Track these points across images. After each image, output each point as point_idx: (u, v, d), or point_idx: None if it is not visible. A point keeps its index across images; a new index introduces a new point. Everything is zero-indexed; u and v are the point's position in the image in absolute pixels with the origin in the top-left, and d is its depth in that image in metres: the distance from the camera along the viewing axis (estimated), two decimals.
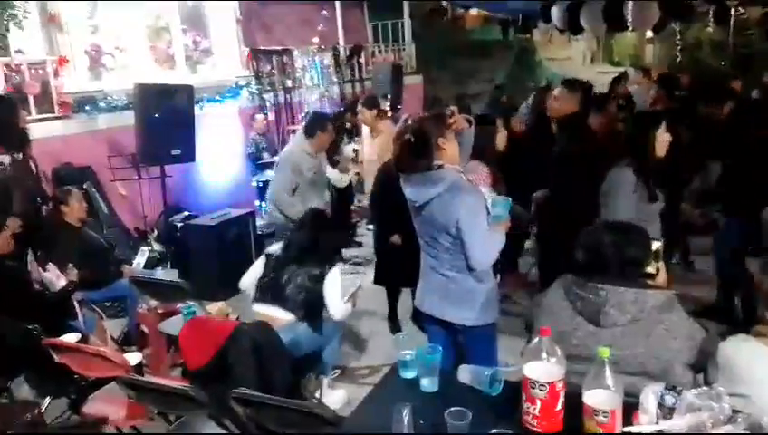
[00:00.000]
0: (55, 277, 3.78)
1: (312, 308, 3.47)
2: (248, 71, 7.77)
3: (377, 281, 4.59)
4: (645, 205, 3.25)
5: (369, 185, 5.28)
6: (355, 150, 6.47)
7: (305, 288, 3.46)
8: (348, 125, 6.58)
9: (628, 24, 7.50)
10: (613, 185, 3.30)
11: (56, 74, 5.68)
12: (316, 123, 4.81)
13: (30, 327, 3.27)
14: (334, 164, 6.18)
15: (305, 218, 3.77)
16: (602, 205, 3.33)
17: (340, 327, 3.76)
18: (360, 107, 5.63)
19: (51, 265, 3.84)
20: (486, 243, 2.65)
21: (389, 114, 6.64)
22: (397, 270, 4.25)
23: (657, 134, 3.20)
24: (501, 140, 3.93)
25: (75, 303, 3.92)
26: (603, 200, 3.33)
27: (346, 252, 6.50)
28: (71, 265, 3.90)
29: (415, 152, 2.67)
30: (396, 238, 4.11)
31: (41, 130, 5.33)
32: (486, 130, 3.72)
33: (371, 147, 5.49)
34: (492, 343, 2.90)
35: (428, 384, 2.04)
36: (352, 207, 7.12)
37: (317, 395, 3.59)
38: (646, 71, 9.06)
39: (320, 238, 3.60)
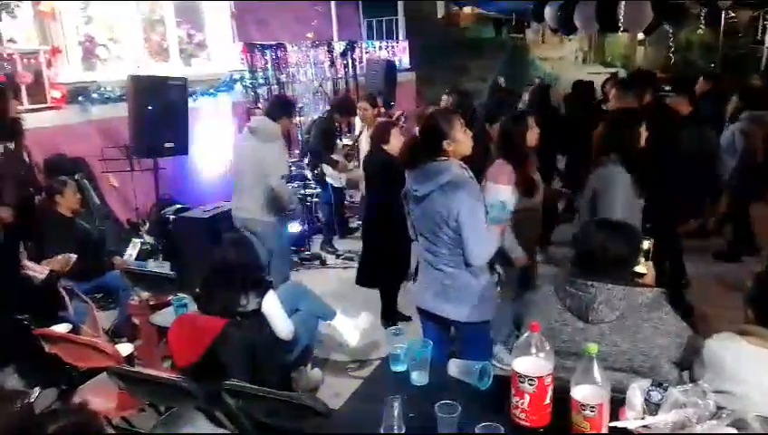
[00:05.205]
0: (38, 270, 3.75)
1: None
2: (242, 64, 7.75)
3: (360, 281, 4.49)
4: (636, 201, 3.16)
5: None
6: (345, 146, 6.47)
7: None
8: (338, 125, 6.58)
9: (621, 25, 7.55)
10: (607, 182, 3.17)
11: (49, 64, 5.63)
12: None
13: (19, 317, 3.26)
14: (333, 165, 6.18)
15: (234, 241, 3.35)
16: (589, 203, 3.20)
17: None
18: (361, 103, 5.94)
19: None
20: (484, 238, 2.69)
21: (382, 111, 6.65)
22: (387, 267, 4.28)
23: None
24: (533, 137, 3.72)
25: (64, 293, 3.91)
26: (590, 197, 3.20)
27: (338, 245, 6.52)
28: (53, 252, 3.88)
29: (422, 149, 2.73)
30: None
31: (33, 120, 5.28)
32: (517, 130, 3.67)
33: (368, 143, 5.49)
34: (487, 339, 2.93)
35: (419, 378, 2.06)
36: (345, 202, 7.11)
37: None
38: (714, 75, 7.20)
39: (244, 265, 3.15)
